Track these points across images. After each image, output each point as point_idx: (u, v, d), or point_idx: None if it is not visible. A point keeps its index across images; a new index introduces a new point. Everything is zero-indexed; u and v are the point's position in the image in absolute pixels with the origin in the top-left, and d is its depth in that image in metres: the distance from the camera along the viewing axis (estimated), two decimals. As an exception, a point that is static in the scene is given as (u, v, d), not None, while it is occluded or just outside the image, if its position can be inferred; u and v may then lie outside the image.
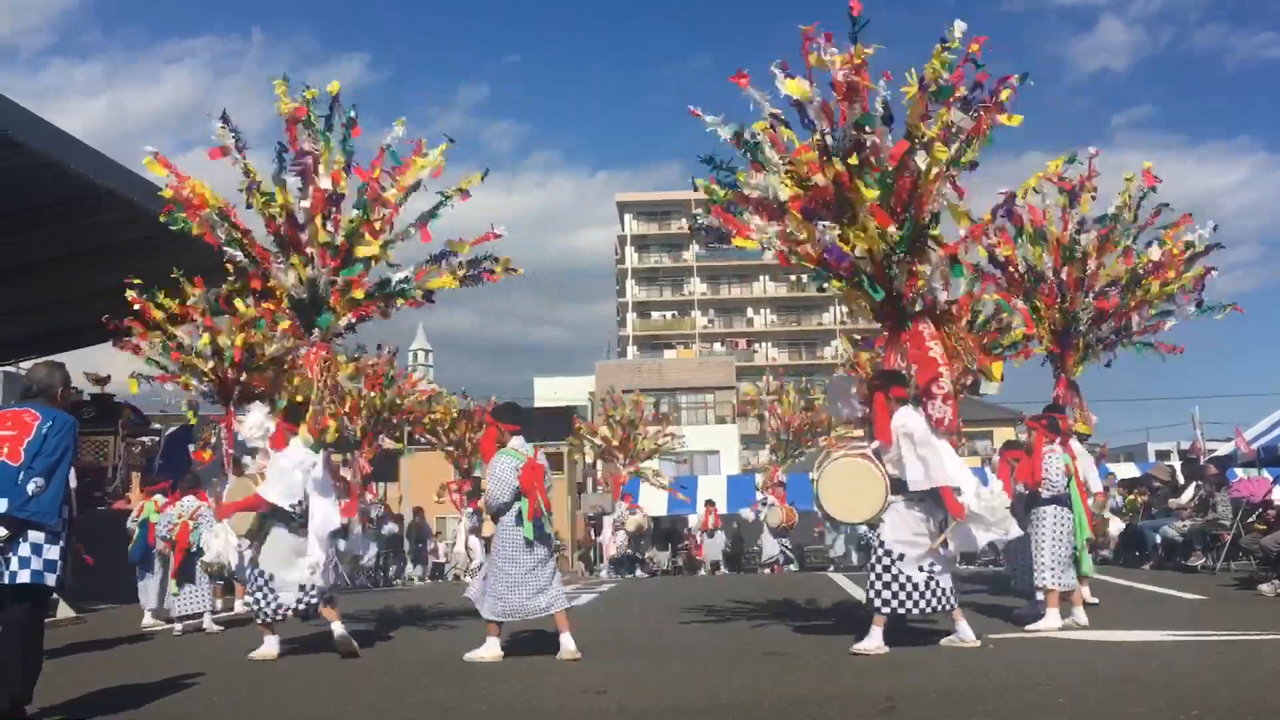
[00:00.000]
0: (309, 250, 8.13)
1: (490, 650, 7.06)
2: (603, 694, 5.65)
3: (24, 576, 4.78)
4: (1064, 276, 10.36)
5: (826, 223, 7.35)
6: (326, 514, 7.75)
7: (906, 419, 6.89)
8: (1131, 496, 17.55)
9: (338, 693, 6.07)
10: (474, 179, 8.76)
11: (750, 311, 70.66)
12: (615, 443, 25.48)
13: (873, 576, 6.90)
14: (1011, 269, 10.57)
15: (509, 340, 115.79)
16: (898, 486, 6.91)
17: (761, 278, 70.89)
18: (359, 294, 8.36)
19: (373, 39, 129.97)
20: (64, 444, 4.96)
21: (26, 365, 16.49)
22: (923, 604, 6.80)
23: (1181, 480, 15.71)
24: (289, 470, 7.63)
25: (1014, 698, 5.23)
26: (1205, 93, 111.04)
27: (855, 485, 7.02)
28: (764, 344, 68.65)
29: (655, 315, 70.37)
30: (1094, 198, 10.44)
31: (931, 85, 7.05)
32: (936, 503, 6.82)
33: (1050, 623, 7.57)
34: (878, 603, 6.80)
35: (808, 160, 7.42)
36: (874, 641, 6.68)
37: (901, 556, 6.80)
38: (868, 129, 7.19)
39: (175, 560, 10.11)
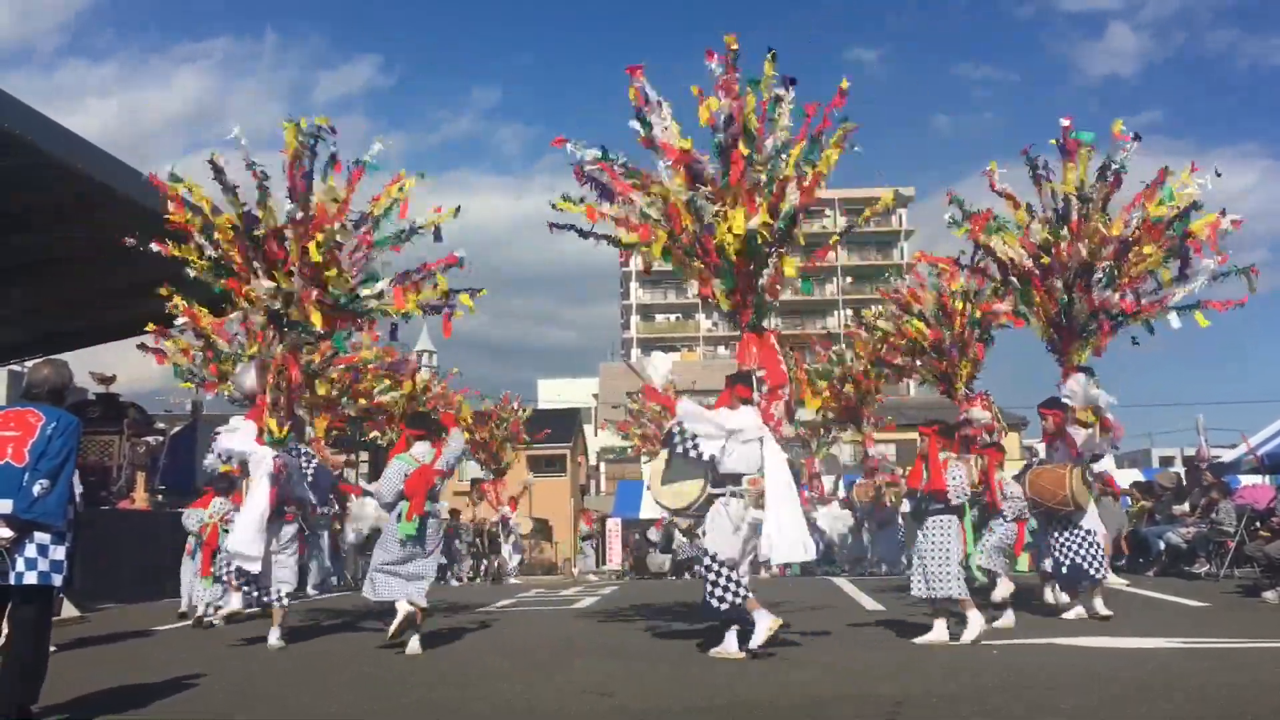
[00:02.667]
0: (291, 266, 8.83)
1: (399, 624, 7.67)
2: (604, 696, 5.64)
3: (31, 578, 4.78)
4: (1045, 262, 9.88)
5: (707, 197, 8.03)
6: (261, 510, 8.37)
7: (725, 413, 7.23)
8: (1141, 503, 17.51)
9: (340, 692, 6.07)
10: (447, 214, 9.34)
11: (755, 315, 70.64)
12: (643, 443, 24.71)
13: (710, 580, 6.99)
14: (1000, 260, 10.32)
15: (514, 341, 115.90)
16: (720, 482, 7.13)
17: (766, 281, 70.81)
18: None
19: (384, 41, 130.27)
20: (68, 445, 4.96)
21: (30, 365, 16.50)
22: (739, 598, 6.97)
23: (1186, 486, 15.70)
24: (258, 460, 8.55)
25: (1016, 699, 5.24)
26: (1212, 98, 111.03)
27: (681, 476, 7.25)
28: (768, 347, 68.60)
29: (659, 318, 70.39)
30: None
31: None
32: (753, 503, 7.04)
33: (938, 635, 7.42)
34: (724, 606, 6.94)
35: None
36: (729, 646, 6.88)
37: (718, 555, 7.01)
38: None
39: (204, 559, 10.29)
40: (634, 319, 69.45)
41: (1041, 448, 9.40)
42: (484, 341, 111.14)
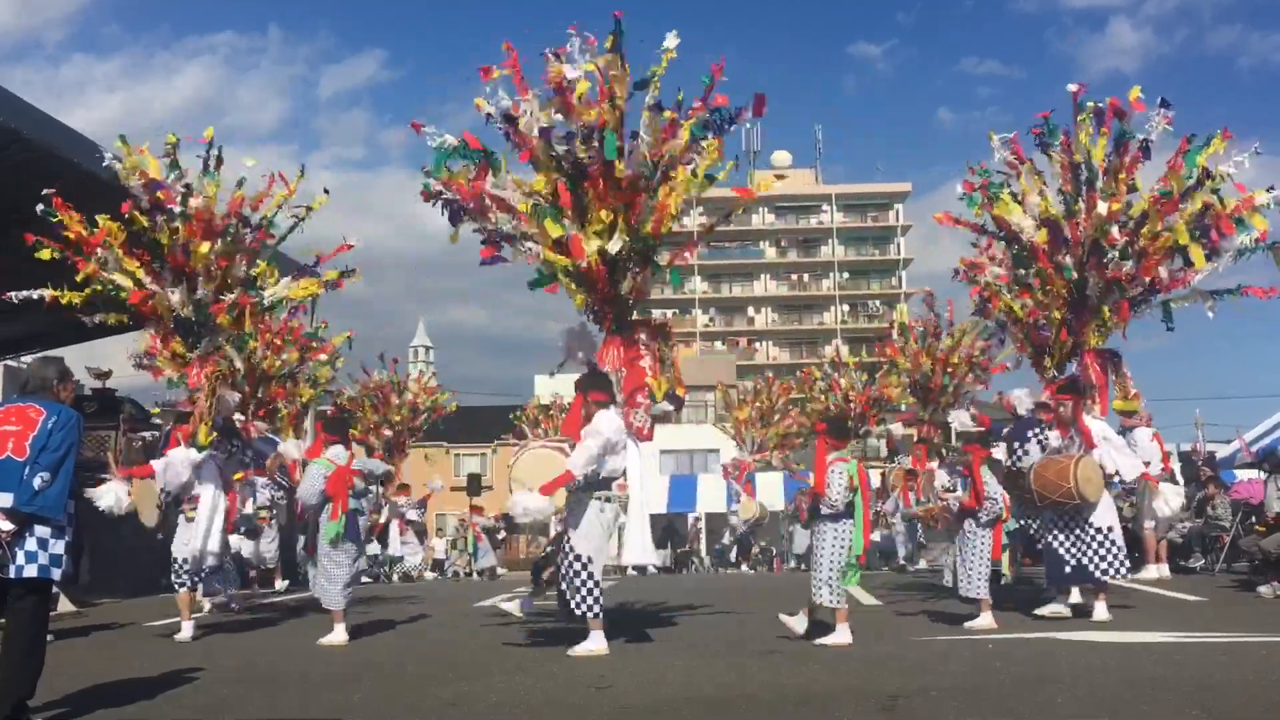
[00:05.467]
0: (196, 275, 9.50)
1: (339, 635, 8.03)
2: (601, 689, 5.65)
3: (30, 571, 4.80)
4: (1065, 235, 9.44)
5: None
6: (215, 507, 9.05)
7: (601, 422, 7.07)
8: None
9: (347, 686, 6.03)
10: (319, 200, 10.45)
11: (751, 310, 70.65)
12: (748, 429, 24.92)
13: (576, 584, 7.02)
14: (1009, 235, 9.91)
15: (514, 336, 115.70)
16: (590, 487, 7.05)
17: (763, 276, 70.91)
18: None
19: (390, 35, 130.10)
20: (69, 438, 4.97)
21: (28, 359, 16.50)
22: (600, 606, 7.06)
23: (1182, 482, 15.71)
24: (172, 464, 9.02)
25: (1011, 693, 5.25)
26: (1217, 94, 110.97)
27: (545, 475, 7.03)
28: (765, 343, 68.65)
29: (656, 313, 70.22)
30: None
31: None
32: (623, 508, 7.12)
33: (841, 638, 7.09)
34: (590, 610, 7.00)
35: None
36: (596, 643, 6.95)
37: (591, 560, 7.05)
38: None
39: None
40: (630, 314, 69.38)
41: (1054, 437, 8.60)
42: (484, 337, 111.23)
